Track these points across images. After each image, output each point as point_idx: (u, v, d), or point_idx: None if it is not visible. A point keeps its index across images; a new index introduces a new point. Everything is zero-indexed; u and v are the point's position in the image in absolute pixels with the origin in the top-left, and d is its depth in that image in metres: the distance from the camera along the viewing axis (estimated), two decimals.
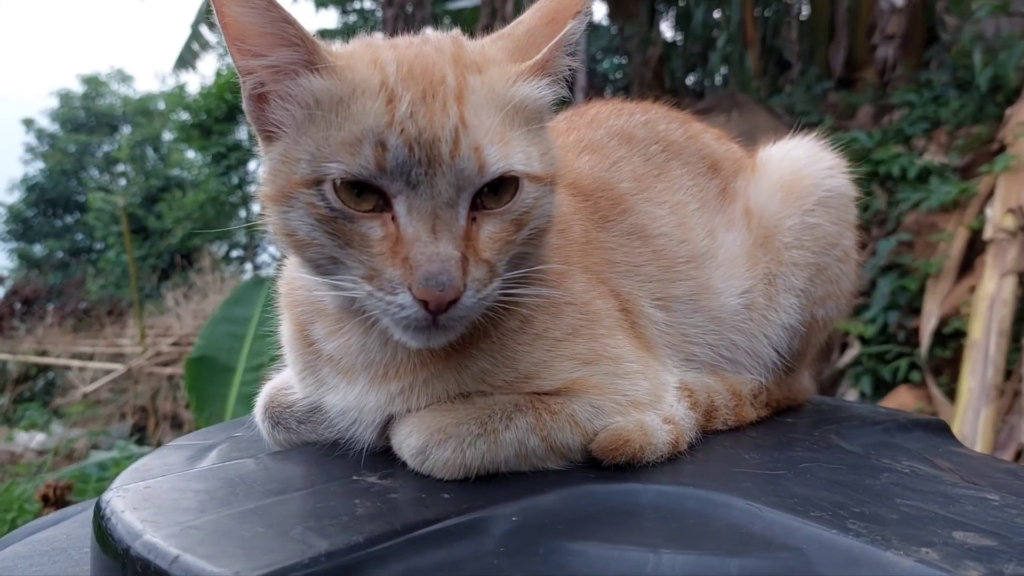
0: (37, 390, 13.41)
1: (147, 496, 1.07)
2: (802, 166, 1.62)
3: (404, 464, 1.18)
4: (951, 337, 6.46)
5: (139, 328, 11.83)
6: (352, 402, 1.25)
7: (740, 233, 1.57)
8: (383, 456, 1.23)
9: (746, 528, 1.02)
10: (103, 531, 1.01)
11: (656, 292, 1.44)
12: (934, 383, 6.33)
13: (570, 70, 1.21)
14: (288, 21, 1.09)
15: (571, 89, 1.21)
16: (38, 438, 9.48)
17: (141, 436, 10.29)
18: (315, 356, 1.30)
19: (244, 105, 1.18)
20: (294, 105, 1.12)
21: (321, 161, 1.07)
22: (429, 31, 1.27)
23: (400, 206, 1.07)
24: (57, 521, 1.65)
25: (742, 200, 1.61)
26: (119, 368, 11.75)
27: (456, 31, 1.27)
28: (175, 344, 11.90)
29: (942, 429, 1.61)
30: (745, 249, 1.56)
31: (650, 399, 1.29)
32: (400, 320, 1.08)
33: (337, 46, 1.22)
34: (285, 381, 1.40)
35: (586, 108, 1.70)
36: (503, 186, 1.11)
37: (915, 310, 6.85)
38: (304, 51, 1.11)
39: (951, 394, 6.09)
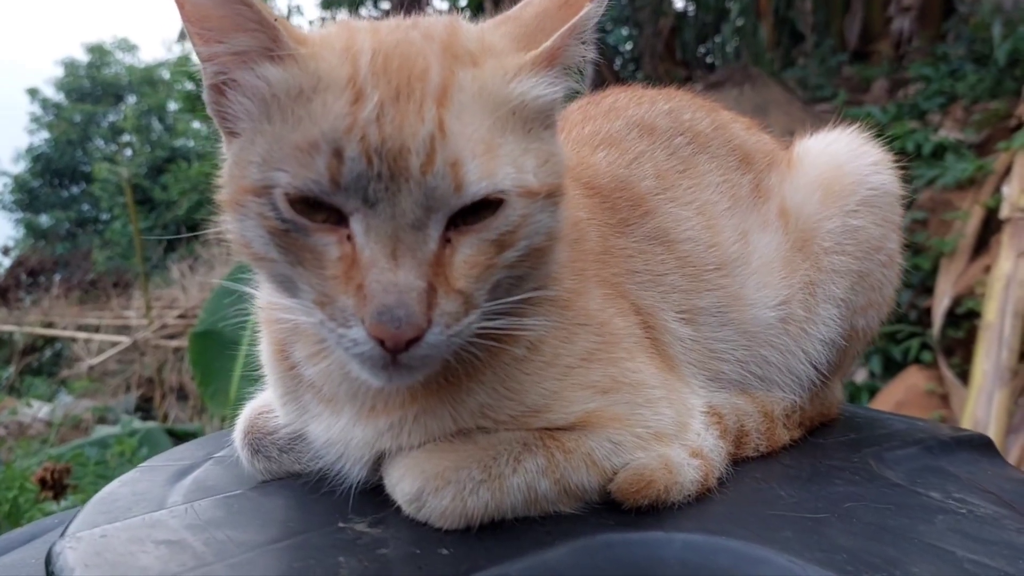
0: (44, 362, 13.41)
1: (101, 549, 0.94)
2: (844, 161, 1.46)
3: (399, 506, 1.04)
4: (964, 318, 6.37)
5: (145, 300, 11.77)
6: (337, 435, 1.11)
7: (776, 236, 1.42)
8: (375, 494, 1.09)
9: None
10: None
11: (681, 304, 1.29)
12: (946, 364, 6.25)
13: (585, 60, 1.04)
14: (245, 3, 0.93)
15: (580, 72, 1.04)
16: (45, 410, 9.46)
17: (148, 409, 10.26)
18: (296, 380, 1.15)
19: (205, 96, 1.02)
20: (251, 99, 0.97)
21: (271, 166, 0.92)
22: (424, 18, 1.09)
23: (357, 224, 0.90)
24: (29, 538, 1.53)
25: (777, 199, 1.46)
26: (125, 340, 11.73)
27: (455, 15, 1.09)
28: (181, 317, 11.85)
29: (985, 446, 1.47)
30: (782, 254, 1.41)
31: (675, 429, 1.15)
32: (355, 356, 0.92)
33: (311, 30, 1.06)
34: (267, 403, 1.26)
35: (603, 96, 1.54)
36: (485, 202, 0.93)
37: (928, 289, 6.76)
38: (264, 36, 0.95)
39: (963, 375, 6.00)
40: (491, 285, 0.96)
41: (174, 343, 11.13)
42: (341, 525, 1.02)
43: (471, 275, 0.94)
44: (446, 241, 0.93)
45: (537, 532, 1.00)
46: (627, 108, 1.46)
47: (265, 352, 1.23)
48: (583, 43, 1.02)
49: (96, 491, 1.18)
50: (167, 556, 0.92)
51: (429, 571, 0.89)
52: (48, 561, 0.93)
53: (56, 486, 4.35)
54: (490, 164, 0.92)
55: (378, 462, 1.10)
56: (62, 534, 1.01)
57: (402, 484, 1.04)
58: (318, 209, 0.91)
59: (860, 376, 6.76)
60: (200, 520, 1.03)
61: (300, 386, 1.15)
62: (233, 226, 0.99)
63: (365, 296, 0.88)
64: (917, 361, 6.50)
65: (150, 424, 7.15)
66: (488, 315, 0.97)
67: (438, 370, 1.02)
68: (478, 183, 0.90)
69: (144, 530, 1.00)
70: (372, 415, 1.08)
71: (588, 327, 1.14)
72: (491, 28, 1.06)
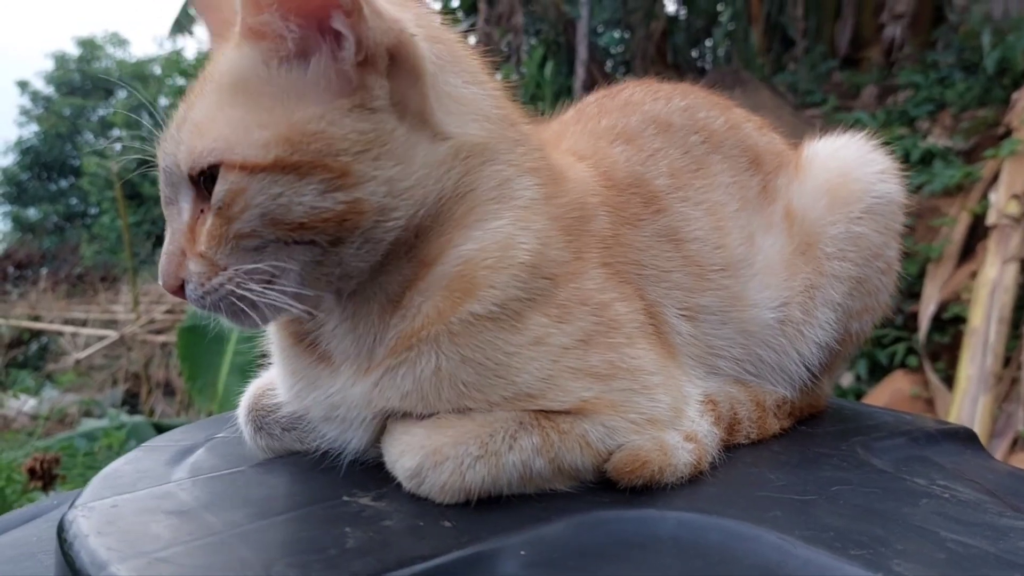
0: (30, 355, 13.38)
1: (113, 518, 0.96)
2: (851, 168, 1.47)
3: (400, 483, 1.07)
4: (950, 323, 6.44)
5: (133, 295, 11.76)
6: (337, 396, 1.12)
7: (780, 238, 1.43)
8: (376, 471, 1.11)
9: (777, 569, 0.91)
10: (67, 555, 0.91)
11: (683, 301, 1.30)
12: (931, 369, 6.31)
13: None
14: None
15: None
16: (31, 403, 9.43)
17: (134, 403, 10.25)
18: (304, 356, 1.16)
19: None
20: None
21: None
22: None
23: None
24: (28, 518, 1.54)
25: (783, 201, 1.47)
26: (112, 335, 11.71)
27: None
28: (168, 312, 11.84)
29: (970, 439, 1.51)
30: (784, 257, 1.42)
31: (671, 415, 1.17)
32: None
33: None
34: (272, 380, 1.28)
35: (619, 89, 1.54)
36: (211, 177, 1.03)
37: (914, 295, 6.81)
38: None
39: (948, 380, 6.06)
40: (234, 249, 1.03)
41: (161, 338, 11.12)
42: (345, 499, 1.04)
43: (210, 243, 1.03)
44: (200, 212, 1.05)
45: (534, 508, 1.03)
46: (643, 103, 1.47)
47: (271, 329, 1.24)
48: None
49: (86, 481, 1.21)
50: (177, 525, 0.95)
51: (432, 542, 0.91)
52: (60, 529, 0.96)
53: (46, 476, 4.35)
54: (202, 140, 1.02)
55: (378, 433, 1.13)
56: (71, 506, 1.03)
57: (402, 460, 1.06)
58: None
59: (846, 380, 6.81)
60: (207, 494, 1.06)
61: (308, 362, 1.16)
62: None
63: None
64: (903, 366, 6.56)
65: (137, 418, 7.15)
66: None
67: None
68: (188, 159, 1.03)
69: (153, 501, 1.03)
70: (367, 373, 1.10)
71: (586, 307, 1.14)
72: None
